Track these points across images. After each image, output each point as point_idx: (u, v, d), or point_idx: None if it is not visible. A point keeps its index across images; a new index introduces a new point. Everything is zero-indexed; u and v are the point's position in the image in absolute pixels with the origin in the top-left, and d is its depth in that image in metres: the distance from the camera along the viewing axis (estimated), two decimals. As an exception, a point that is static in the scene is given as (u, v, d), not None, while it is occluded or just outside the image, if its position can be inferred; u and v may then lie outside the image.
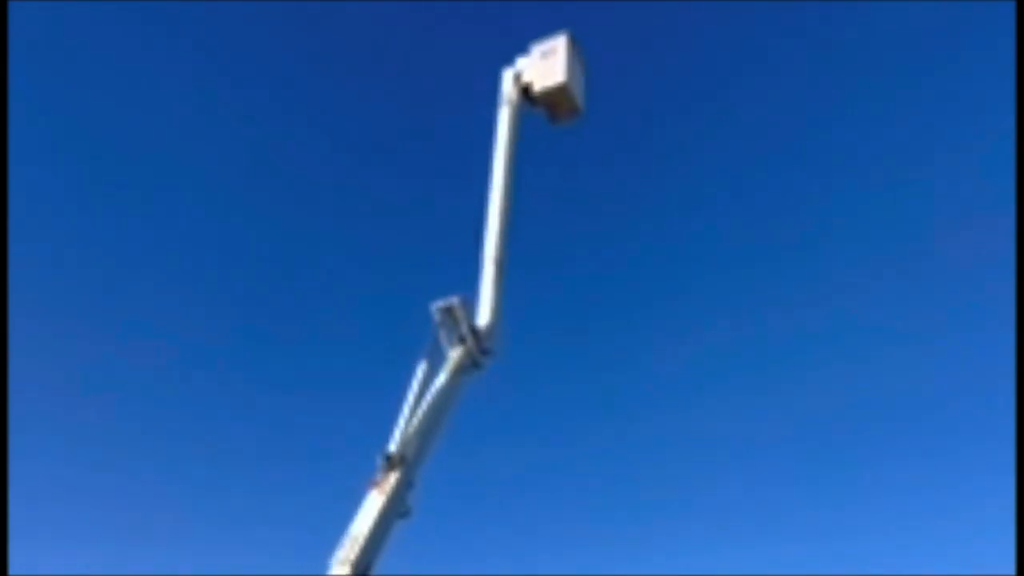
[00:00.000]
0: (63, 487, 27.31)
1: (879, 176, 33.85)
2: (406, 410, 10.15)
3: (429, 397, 10.39)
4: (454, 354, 10.85)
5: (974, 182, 31.79)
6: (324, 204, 36.12)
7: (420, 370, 10.55)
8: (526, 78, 13.41)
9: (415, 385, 10.40)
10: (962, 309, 32.70)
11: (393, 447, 9.78)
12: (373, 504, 9.33)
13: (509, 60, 13.88)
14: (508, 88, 13.44)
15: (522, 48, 13.95)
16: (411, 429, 10.01)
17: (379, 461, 9.66)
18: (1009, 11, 21.47)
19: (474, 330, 11.04)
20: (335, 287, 35.97)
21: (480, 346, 11.08)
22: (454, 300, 11.00)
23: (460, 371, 10.79)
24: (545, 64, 13.34)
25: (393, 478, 9.56)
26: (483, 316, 11.45)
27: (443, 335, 10.98)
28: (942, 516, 29.80)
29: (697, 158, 36.45)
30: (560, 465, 33.41)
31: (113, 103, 30.94)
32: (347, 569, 8.76)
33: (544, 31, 13.92)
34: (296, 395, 32.99)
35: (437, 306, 11.00)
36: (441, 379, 10.61)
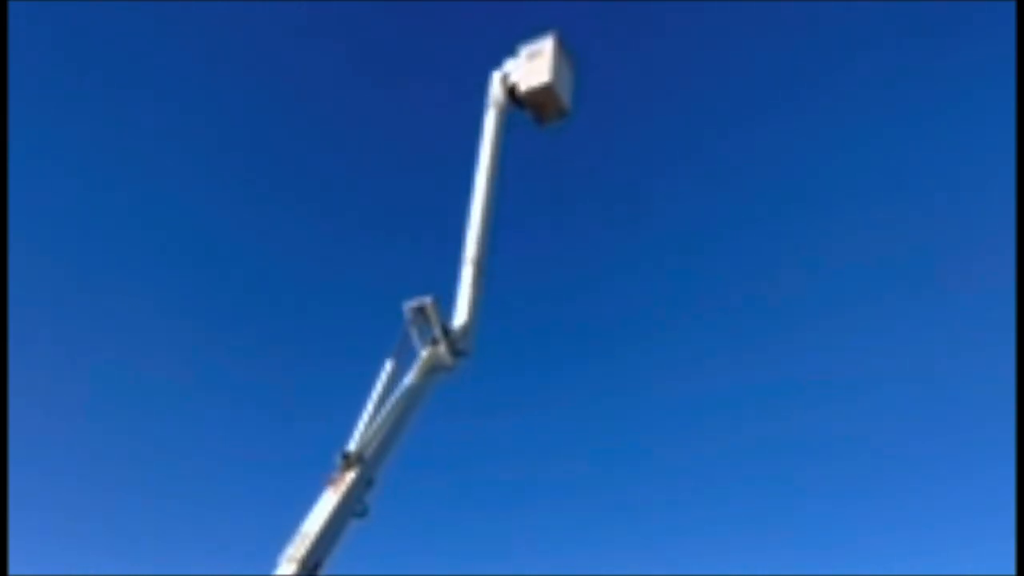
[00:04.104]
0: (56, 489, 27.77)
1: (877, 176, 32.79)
2: (369, 408, 10.02)
3: (395, 396, 10.24)
4: (425, 354, 10.71)
5: (973, 183, 30.85)
6: (306, 208, 36.07)
7: (386, 369, 10.43)
8: (512, 79, 13.28)
9: (380, 384, 10.27)
10: (963, 312, 31.56)
11: (352, 445, 9.65)
12: (327, 502, 9.18)
13: (500, 63, 13.83)
14: (495, 90, 13.34)
15: (514, 52, 13.91)
16: (372, 428, 9.86)
17: (337, 459, 9.53)
18: (1009, 11, 20.72)
19: (447, 330, 10.89)
20: (309, 294, 35.82)
21: (453, 347, 10.91)
22: (426, 300, 10.88)
23: (430, 371, 10.64)
24: (531, 65, 13.19)
25: (350, 476, 9.41)
26: (459, 316, 11.29)
27: (415, 335, 10.86)
28: (942, 516, 29.22)
29: (687, 161, 35.98)
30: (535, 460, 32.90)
31: (102, 103, 31.51)
32: (294, 567, 8.60)
33: (537, 34, 13.88)
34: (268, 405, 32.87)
35: (409, 305, 10.90)
36: (409, 379, 10.46)
